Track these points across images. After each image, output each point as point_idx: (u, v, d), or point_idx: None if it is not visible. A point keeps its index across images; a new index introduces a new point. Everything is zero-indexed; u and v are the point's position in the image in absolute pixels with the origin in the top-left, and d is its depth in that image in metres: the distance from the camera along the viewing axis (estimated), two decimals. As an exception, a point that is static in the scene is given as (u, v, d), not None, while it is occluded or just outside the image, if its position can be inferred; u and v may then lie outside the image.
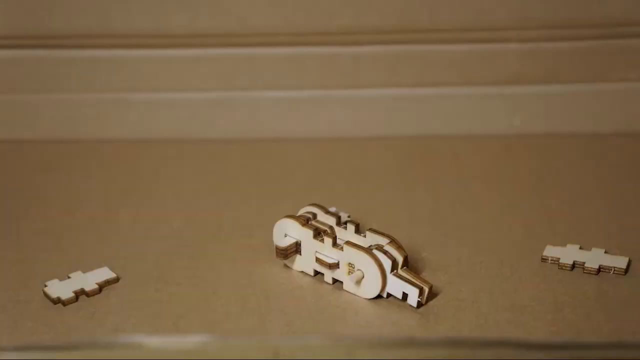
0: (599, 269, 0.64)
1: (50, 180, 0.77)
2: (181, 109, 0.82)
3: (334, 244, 0.64)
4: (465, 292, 0.63)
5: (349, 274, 0.63)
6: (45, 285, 0.64)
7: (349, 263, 0.63)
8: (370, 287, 0.62)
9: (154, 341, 0.51)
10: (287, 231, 0.65)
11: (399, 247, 0.62)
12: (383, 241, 0.63)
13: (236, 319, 0.61)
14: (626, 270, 0.64)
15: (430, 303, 0.62)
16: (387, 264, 0.62)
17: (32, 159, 0.80)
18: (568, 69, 0.80)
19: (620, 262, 0.64)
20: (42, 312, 0.62)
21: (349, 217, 0.67)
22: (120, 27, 0.80)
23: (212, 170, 0.79)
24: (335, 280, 0.64)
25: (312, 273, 0.65)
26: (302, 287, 0.64)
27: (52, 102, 0.82)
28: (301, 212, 0.67)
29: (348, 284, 0.63)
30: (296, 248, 0.65)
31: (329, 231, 0.64)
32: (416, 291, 0.61)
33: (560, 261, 0.65)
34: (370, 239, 0.64)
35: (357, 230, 0.64)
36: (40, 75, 0.81)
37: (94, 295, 0.63)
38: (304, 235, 0.64)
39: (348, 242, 0.63)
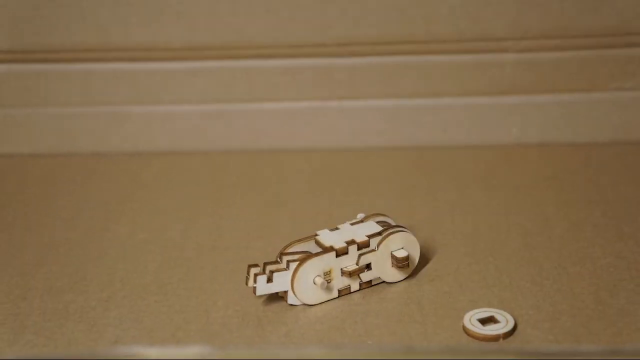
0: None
1: (48, 194, 0.77)
2: (179, 121, 0.82)
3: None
4: (463, 300, 0.63)
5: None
6: None
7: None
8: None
9: (154, 352, 0.51)
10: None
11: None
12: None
13: (235, 330, 0.61)
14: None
15: (429, 312, 0.62)
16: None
17: (30, 172, 0.81)
18: (565, 79, 0.81)
19: None
20: (42, 325, 0.62)
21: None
22: (118, 40, 0.80)
23: (210, 181, 0.79)
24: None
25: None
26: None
27: (50, 116, 0.82)
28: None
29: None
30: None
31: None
32: None
33: None
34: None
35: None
36: (38, 89, 0.81)
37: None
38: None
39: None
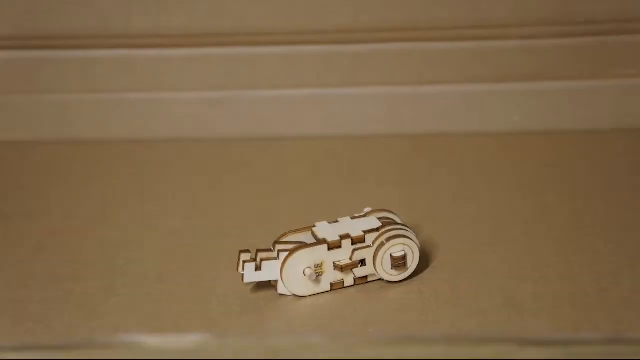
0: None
1: (48, 181, 0.77)
2: (180, 109, 0.82)
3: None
4: (464, 289, 0.63)
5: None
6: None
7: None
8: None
9: (154, 340, 0.51)
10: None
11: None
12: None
13: (235, 318, 0.61)
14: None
15: (429, 300, 0.62)
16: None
17: (30, 160, 0.80)
18: (566, 66, 0.80)
19: None
20: (42, 313, 0.62)
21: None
22: (119, 27, 0.80)
23: (210, 169, 0.79)
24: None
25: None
26: (301, 285, 0.64)
27: (49, 103, 0.82)
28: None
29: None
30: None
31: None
32: None
33: None
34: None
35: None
36: (37, 76, 0.81)
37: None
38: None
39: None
